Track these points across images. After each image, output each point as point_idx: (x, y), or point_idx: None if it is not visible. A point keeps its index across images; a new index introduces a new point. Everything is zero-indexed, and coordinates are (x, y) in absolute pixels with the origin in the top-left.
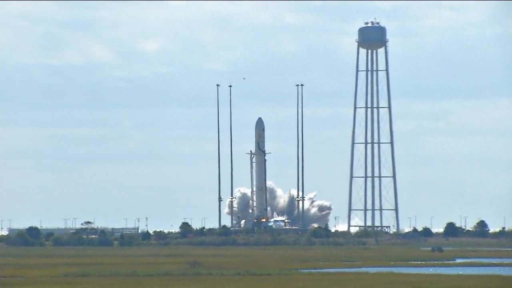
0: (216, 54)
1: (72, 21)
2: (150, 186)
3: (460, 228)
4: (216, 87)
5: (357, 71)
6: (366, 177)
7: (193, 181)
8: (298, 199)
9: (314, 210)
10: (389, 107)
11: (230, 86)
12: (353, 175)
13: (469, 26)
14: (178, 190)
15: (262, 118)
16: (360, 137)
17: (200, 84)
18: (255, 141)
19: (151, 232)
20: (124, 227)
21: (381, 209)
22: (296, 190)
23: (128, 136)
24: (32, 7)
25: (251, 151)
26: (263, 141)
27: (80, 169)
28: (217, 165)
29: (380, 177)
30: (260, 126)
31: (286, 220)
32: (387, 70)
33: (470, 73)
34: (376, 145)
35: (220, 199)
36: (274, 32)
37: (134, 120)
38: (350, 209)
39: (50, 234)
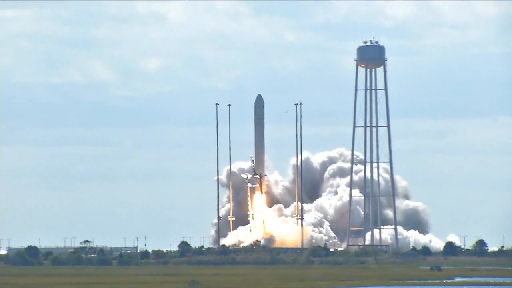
0: (217, 72)
1: (73, 40)
2: (149, 204)
3: (459, 247)
4: (216, 106)
5: (356, 90)
6: (365, 196)
7: (192, 200)
8: (297, 218)
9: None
10: (388, 126)
11: (229, 105)
12: (352, 194)
13: (469, 44)
14: (177, 209)
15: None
16: (359, 156)
17: (201, 103)
18: (253, 165)
19: (149, 251)
20: (123, 246)
21: (380, 228)
22: (296, 208)
23: (128, 154)
24: (33, 26)
25: (247, 174)
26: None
27: (79, 187)
28: (216, 183)
29: (379, 196)
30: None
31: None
32: (386, 89)
33: (470, 92)
34: (375, 164)
35: (219, 218)
36: (275, 51)
37: (134, 138)
38: (349, 228)
39: (49, 253)
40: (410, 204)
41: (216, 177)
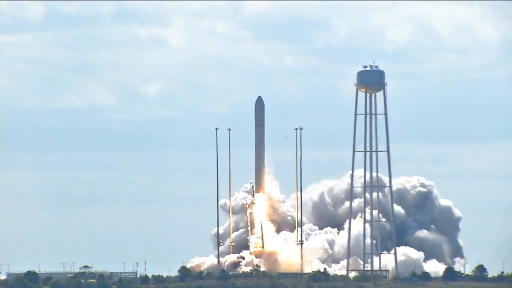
0: (217, 96)
1: (73, 64)
2: (149, 229)
3: (459, 272)
4: (215, 130)
5: (356, 114)
6: (364, 221)
7: (192, 225)
8: (297, 243)
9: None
10: (388, 151)
11: (229, 129)
12: (352, 219)
13: (470, 69)
14: (177, 234)
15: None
16: (359, 181)
17: (202, 127)
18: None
19: (149, 276)
20: (123, 271)
21: (379, 253)
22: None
23: (128, 178)
24: (33, 50)
25: (246, 201)
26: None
27: (79, 212)
28: (216, 208)
29: (379, 221)
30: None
31: None
32: (385, 113)
33: (471, 117)
34: (375, 189)
35: (219, 243)
36: (275, 75)
37: (134, 162)
38: (349, 253)
39: (48, 278)
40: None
41: (223, 202)
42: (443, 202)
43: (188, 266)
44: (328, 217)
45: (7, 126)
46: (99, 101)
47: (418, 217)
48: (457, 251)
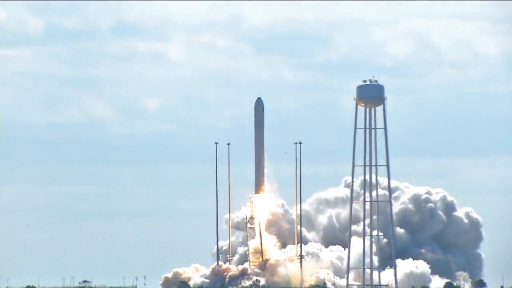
0: (217, 111)
1: (73, 79)
2: (148, 243)
3: (458, 287)
4: (215, 145)
5: (355, 129)
6: (364, 235)
7: (192, 239)
8: (297, 257)
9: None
10: (387, 165)
11: (229, 144)
12: (352, 234)
13: (469, 83)
14: (176, 248)
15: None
16: (359, 195)
17: (201, 142)
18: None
19: None
20: (122, 285)
21: (379, 268)
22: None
23: (127, 192)
24: (33, 65)
25: (246, 216)
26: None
27: (79, 226)
28: (215, 223)
29: (378, 236)
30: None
31: None
32: (385, 128)
33: (470, 131)
34: (374, 204)
35: (218, 258)
36: (274, 90)
37: (134, 176)
38: (348, 267)
39: None
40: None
41: (227, 216)
42: (459, 212)
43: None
44: (338, 240)
45: (7, 140)
46: (99, 115)
47: (428, 230)
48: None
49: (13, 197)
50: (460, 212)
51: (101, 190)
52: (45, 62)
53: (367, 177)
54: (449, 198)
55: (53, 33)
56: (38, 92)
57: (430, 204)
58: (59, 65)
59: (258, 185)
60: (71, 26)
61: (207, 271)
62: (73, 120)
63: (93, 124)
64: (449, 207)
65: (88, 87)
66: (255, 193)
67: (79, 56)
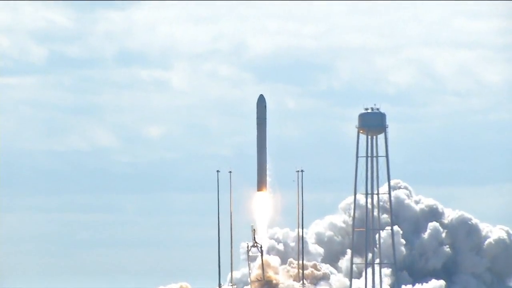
0: (219, 139)
1: (75, 106)
2: (151, 271)
3: None
4: (217, 173)
5: (357, 157)
6: (366, 263)
7: (194, 267)
8: (300, 284)
9: None
10: (389, 194)
11: (230, 172)
12: (354, 262)
13: (472, 111)
14: (179, 276)
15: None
16: (361, 223)
17: (204, 170)
18: (252, 236)
19: None
20: None
21: None
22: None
23: (130, 221)
24: (35, 93)
25: (247, 243)
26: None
27: (81, 254)
28: (217, 251)
29: (380, 263)
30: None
31: None
32: (387, 156)
33: (473, 159)
34: (376, 231)
35: (220, 286)
36: (277, 117)
37: (136, 205)
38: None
39: None
40: None
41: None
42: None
43: None
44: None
45: (9, 168)
46: (101, 143)
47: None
48: None
49: (15, 225)
50: None
51: (104, 218)
52: (48, 90)
53: (369, 205)
54: None
55: (56, 61)
56: (40, 120)
57: None
58: (62, 93)
59: (260, 184)
60: (74, 54)
61: None
62: (75, 148)
63: (95, 152)
64: None
65: (91, 115)
66: (257, 192)
67: (82, 84)
